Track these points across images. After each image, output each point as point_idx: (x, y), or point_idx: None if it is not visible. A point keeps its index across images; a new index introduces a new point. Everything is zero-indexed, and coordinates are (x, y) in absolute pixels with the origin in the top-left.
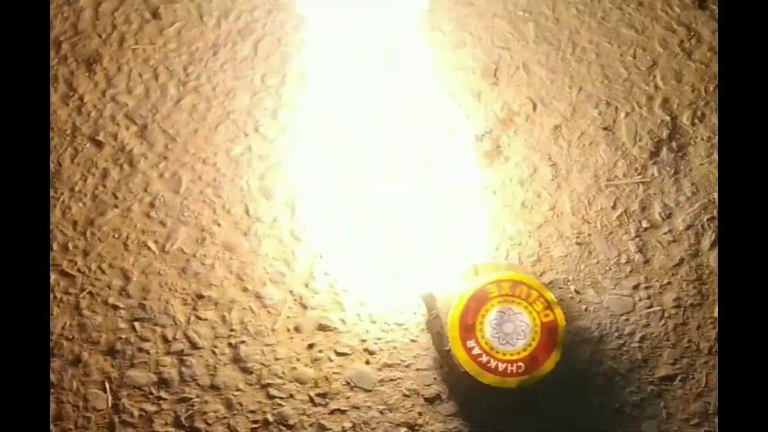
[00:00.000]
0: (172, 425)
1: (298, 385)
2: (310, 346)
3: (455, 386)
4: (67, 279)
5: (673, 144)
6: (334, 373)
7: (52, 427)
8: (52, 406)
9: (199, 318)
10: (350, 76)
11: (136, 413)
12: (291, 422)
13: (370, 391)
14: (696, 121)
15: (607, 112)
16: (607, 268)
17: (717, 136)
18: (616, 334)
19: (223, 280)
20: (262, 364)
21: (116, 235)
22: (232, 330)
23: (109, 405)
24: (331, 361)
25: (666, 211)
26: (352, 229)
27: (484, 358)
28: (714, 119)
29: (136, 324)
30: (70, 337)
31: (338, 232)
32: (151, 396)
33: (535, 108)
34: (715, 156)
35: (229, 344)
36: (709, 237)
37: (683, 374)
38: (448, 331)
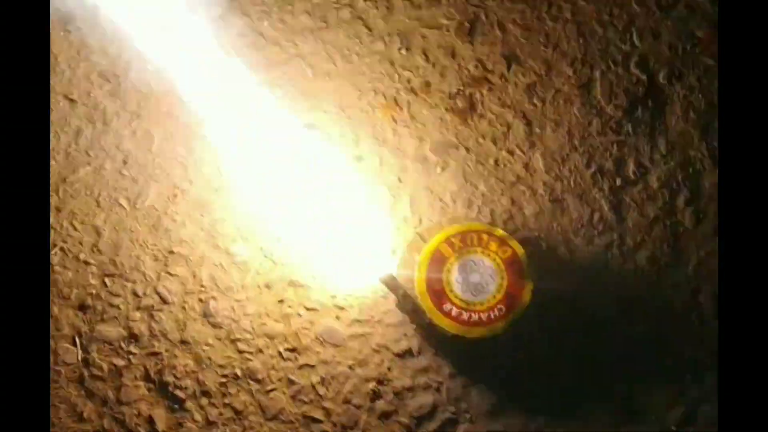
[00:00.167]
0: (141, 379)
1: (267, 340)
2: (280, 302)
3: (424, 341)
4: None
5: (649, 102)
6: (304, 328)
7: None
8: None
9: (169, 274)
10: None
11: (105, 367)
12: (259, 376)
13: (339, 346)
14: (673, 79)
15: (582, 70)
16: (580, 226)
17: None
18: (589, 292)
19: (193, 236)
20: (232, 319)
21: (88, 192)
22: (202, 286)
23: (79, 359)
24: (300, 316)
25: (641, 169)
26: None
27: (465, 315)
28: (692, 78)
29: (107, 279)
30: None
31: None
32: (120, 350)
33: (509, 66)
34: (692, 114)
35: (199, 300)
36: (684, 195)
37: (657, 333)
38: (421, 304)
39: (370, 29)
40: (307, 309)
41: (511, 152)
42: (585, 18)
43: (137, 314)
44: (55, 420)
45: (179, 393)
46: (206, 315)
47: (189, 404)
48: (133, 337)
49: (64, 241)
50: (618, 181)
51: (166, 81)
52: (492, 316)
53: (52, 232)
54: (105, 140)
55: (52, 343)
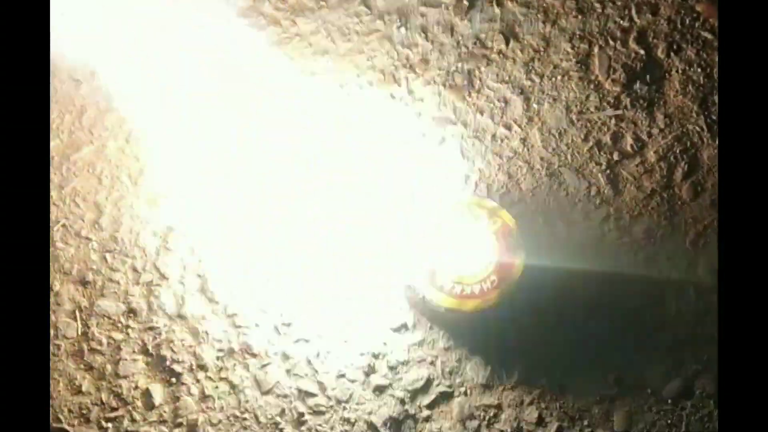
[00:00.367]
0: (139, 353)
1: (263, 314)
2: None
3: (421, 316)
4: None
5: (647, 77)
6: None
7: None
8: None
9: (168, 250)
10: None
11: (104, 341)
12: (255, 351)
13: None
14: (671, 54)
15: (580, 46)
16: (577, 200)
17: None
18: (585, 266)
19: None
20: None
21: (90, 170)
22: (200, 261)
23: (79, 333)
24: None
25: (638, 143)
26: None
27: (458, 289)
28: (690, 52)
29: (107, 255)
30: None
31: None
32: (119, 325)
33: (507, 42)
34: (690, 88)
35: (198, 275)
36: (681, 168)
37: (654, 305)
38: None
39: (369, 8)
40: None
41: (508, 127)
42: None
43: (136, 289)
44: (54, 393)
45: (176, 367)
46: (204, 290)
47: (186, 377)
48: (132, 311)
49: (66, 218)
50: (615, 155)
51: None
52: (484, 288)
53: (54, 209)
54: (108, 119)
55: (53, 317)
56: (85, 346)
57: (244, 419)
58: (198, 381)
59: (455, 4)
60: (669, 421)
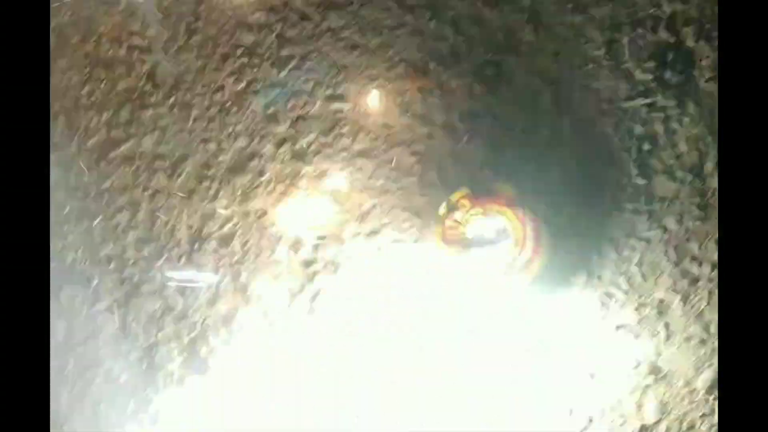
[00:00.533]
0: None
1: None
2: None
3: None
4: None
5: (677, 65)
6: None
7: None
8: None
9: None
10: None
11: None
12: None
13: None
14: (701, 41)
15: (610, 35)
16: (605, 191)
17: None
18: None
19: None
20: None
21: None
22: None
23: None
24: None
25: (669, 133)
26: None
27: None
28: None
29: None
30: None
31: None
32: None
33: (537, 32)
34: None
35: None
36: (712, 159)
37: None
38: None
39: (399, 2)
40: None
41: (538, 119)
42: None
43: None
44: None
45: None
46: None
47: None
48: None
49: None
50: (646, 145)
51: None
52: None
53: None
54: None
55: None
56: None
57: None
58: None
59: None
60: None
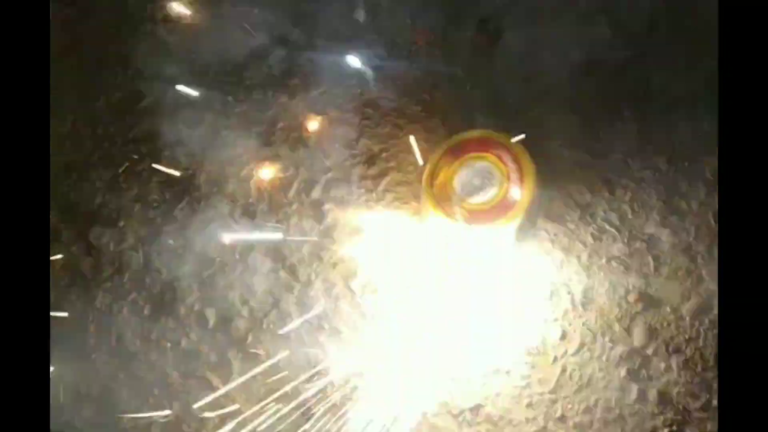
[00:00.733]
0: None
1: None
2: None
3: None
4: None
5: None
6: None
7: None
8: None
9: None
10: None
11: None
12: None
13: None
14: None
15: None
16: (600, 134)
17: None
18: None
19: None
20: None
21: None
22: None
23: None
24: None
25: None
26: None
27: None
28: None
29: None
30: None
31: None
32: None
33: None
34: None
35: None
36: None
37: None
38: None
39: None
40: None
41: (540, 69)
42: None
43: None
44: None
45: None
46: None
47: None
48: None
49: None
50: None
51: None
52: None
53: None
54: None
55: None
56: None
57: None
58: None
59: None
60: None
